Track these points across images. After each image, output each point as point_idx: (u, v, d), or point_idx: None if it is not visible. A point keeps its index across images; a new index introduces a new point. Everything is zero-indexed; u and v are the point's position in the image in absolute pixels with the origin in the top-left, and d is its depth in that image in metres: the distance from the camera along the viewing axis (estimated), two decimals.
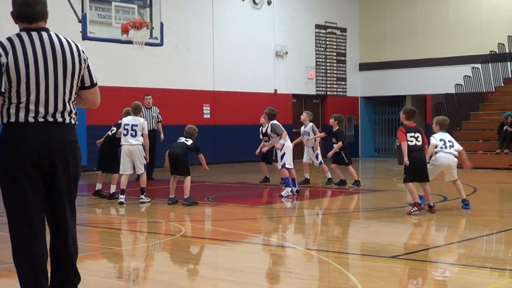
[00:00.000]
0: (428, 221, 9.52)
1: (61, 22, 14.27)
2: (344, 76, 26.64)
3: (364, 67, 26.99)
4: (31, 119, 4.20)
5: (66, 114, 4.31)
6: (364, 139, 27.27)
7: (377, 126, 27.61)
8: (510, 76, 23.34)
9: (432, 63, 25.07)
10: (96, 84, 4.51)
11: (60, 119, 4.28)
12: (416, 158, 9.78)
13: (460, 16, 24.73)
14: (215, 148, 21.17)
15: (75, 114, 4.40)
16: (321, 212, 11.15)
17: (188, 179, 11.12)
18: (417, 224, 9.37)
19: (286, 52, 24.18)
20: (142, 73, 19.73)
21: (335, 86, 26.33)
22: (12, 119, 4.20)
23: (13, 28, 4.33)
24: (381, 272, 6.32)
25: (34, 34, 4.25)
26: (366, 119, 27.47)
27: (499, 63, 23.26)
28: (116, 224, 10.15)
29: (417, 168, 9.83)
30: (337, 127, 14.13)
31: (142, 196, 11.55)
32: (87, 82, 4.45)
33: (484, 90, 23.04)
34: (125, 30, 14.46)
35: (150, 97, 16.27)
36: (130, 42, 14.70)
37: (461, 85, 22.97)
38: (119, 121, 12.11)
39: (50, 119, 4.25)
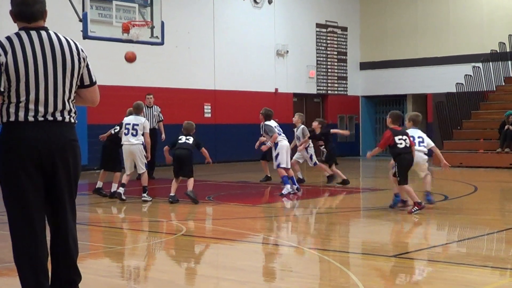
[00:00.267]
0: (429, 220, 9.52)
1: (62, 21, 14.29)
2: (345, 75, 26.63)
3: (365, 66, 26.98)
4: (31, 118, 4.20)
5: (66, 113, 4.31)
6: (365, 138, 27.27)
7: (378, 125, 27.60)
8: (511, 75, 23.32)
9: (433, 62, 25.05)
10: (95, 82, 4.51)
11: (60, 118, 4.28)
12: (407, 160, 9.90)
13: (461, 15, 24.72)
14: (216, 147, 21.14)
15: (75, 113, 4.39)
16: (322, 211, 11.15)
17: (192, 180, 11.21)
18: (418, 223, 9.37)
19: (287, 51, 24.17)
20: (143, 72, 19.73)
21: (336, 85, 26.32)
22: (12, 118, 4.20)
23: (13, 27, 4.32)
24: (381, 271, 6.33)
25: (33, 33, 4.24)
26: (367, 118, 27.46)
27: (500, 62, 23.24)
28: (117, 223, 10.16)
29: (408, 169, 9.97)
30: (319, 131, 14.04)
31: (144, 195, 11.56)
32: (87, 81, 4.45)
33: (485, 89, 23.03)
34: (126, 29, 14.45)
35: (151, 96, 16.29)
36: (131, 41, 14.71)
37: (462, 84, 22.96)
38: (122, 121, 12.13)
39: (50, 118, 4.24)
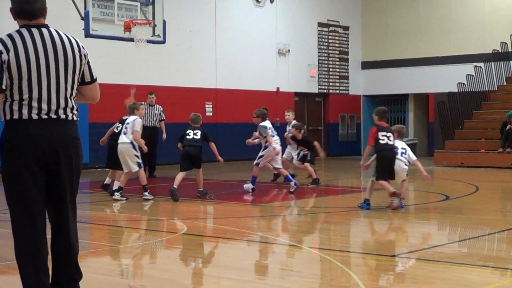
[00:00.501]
0: (430, 220, 9.52)
1: (63, 19, 14.29)
2: (346, 74, 26.62)
3: (366, 65, 26.97)
4: (34, 116, 4.20)
5: (68, 111, 4.32)
6: (366, 138, 27.17)
7: None
8: None
9: (435, 62, 25.03)
10: (96, 79, 4.52)
11: (63, 116, 4.29)
12: (387, 157, 9.98)
13: (462, 14, 24.70)
14: (217, 146, 21.08)
15: (77, 110, 4.40)
16: (322, 211, 11.15)
17: (201, 172, 11.65)
18: (419, 223, 9.37)
19: (289, 50, 24.16)
20: (144, 71, 19.73)
21: (337, 84, 26.31)
22: (16, 116, 4.19)
23: (13, 25, 4.32)
24: (382, 270, 6.33)
25: (35, 31, 4.24)
26: (368, 117, 27.39)
27: (502, 62, 23.22)
28: (118, 221, 10.16)
29: (387, 166, 10.04)
30: (300, 136, 14.02)
31: (146, 194, 11.54)
32: (87, 78, 4.46)
33: (487, 89, 23.01)
34: (127, 28, 14.46)
35: (153, 95, 16.30)
36: (133, 40, 14.71)
37: (464, 84, 22.94)
38: (123, 117, 12.09)
39: (54, 116, 4.25)
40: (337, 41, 26.21)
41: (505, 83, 23.12)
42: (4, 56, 4.13)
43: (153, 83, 19.55)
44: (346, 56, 26.56)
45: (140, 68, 19.57)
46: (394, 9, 26.22)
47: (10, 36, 4.21)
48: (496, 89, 23.06)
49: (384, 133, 10.02)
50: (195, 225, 9.37)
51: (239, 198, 12.43)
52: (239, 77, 22.51)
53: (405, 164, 10.37)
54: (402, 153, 10.35)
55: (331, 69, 26.02)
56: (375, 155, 10.27)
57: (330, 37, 25.92)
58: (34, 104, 4.20)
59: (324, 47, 25.73)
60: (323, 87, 25.75)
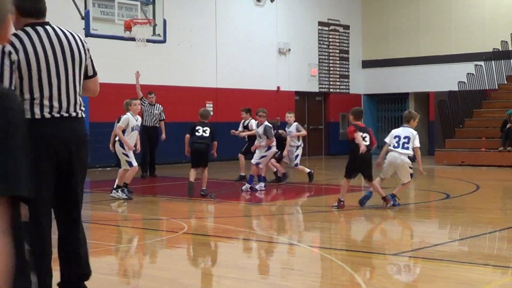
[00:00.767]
0: (431, 218, 9.52)
1: (64, 19, 14.23)
2: (347, 73, 26.61)
3: (367, 64, 26.97)
4: (47, 115, 4.20)
5: (77, 108, 4.35)
6: None
7: (380, 124, 27.58)
8: None
9: (435, 61, 25.03)
10: (96, 73, 4.57)
11: (73, 114, 4.31)
12: (360, 157, 9.92)
13: (462, 13, 24.69)
14: (218, 145, 21.09)
15: (83, 106, 4.43)
16: (323, 210, 11.15)
17: (206, 171, 11.83)
18: (420, 221, 9.37)
19: (289, 49, 24.16)
20: (145, 70, 19.67)
21: (338, 83, 26.30)
22: (28, 115, 4.15)
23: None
24: (383, 269, 6.33)
25: (40, 29, 4.24)
26: (368, 116, 27.40)
27: (502, 61, 23.21)
28: (119, 221, 10.17)
29: (359, 166, 10.07)
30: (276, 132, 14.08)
31: (118, 191, 11.37)
32: (90, 72, 4.50)
33: (487, 88, 23.00)
34: (128, 27, 14.46)
35: (153, 95, 16.29)
36: (133, 39, 14.71)
37: (464, 82, 22.94)
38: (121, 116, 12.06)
39: (65, 114, 4.26)
40: (337, 40, 26.20)
41: (505, 82, 23.11)
42: (14, 57, 4.10)
43: (154, 82, 19.53)
44: (346, 55, 26.55)
45: (141, 68, 19.52)
46: (395, 8, 26.21)
47: (17, 36, 4.16)
48: (497, 87, 23.04)
49: (361, 134, 10.07)
50: (195, 224, 9.37)
51: (240, 197, 12.42)
52: (239, 76, 22.50)
53: (409, 157, 10.21)
54: (404, 143, 10.18)
55: (331, 68, 26.02)
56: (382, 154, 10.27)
57: (330, 36, 25.92)
58: (46, 102, 4.19)
59: (325, 46, 25.72)
60: (324, 86, 25.74)
